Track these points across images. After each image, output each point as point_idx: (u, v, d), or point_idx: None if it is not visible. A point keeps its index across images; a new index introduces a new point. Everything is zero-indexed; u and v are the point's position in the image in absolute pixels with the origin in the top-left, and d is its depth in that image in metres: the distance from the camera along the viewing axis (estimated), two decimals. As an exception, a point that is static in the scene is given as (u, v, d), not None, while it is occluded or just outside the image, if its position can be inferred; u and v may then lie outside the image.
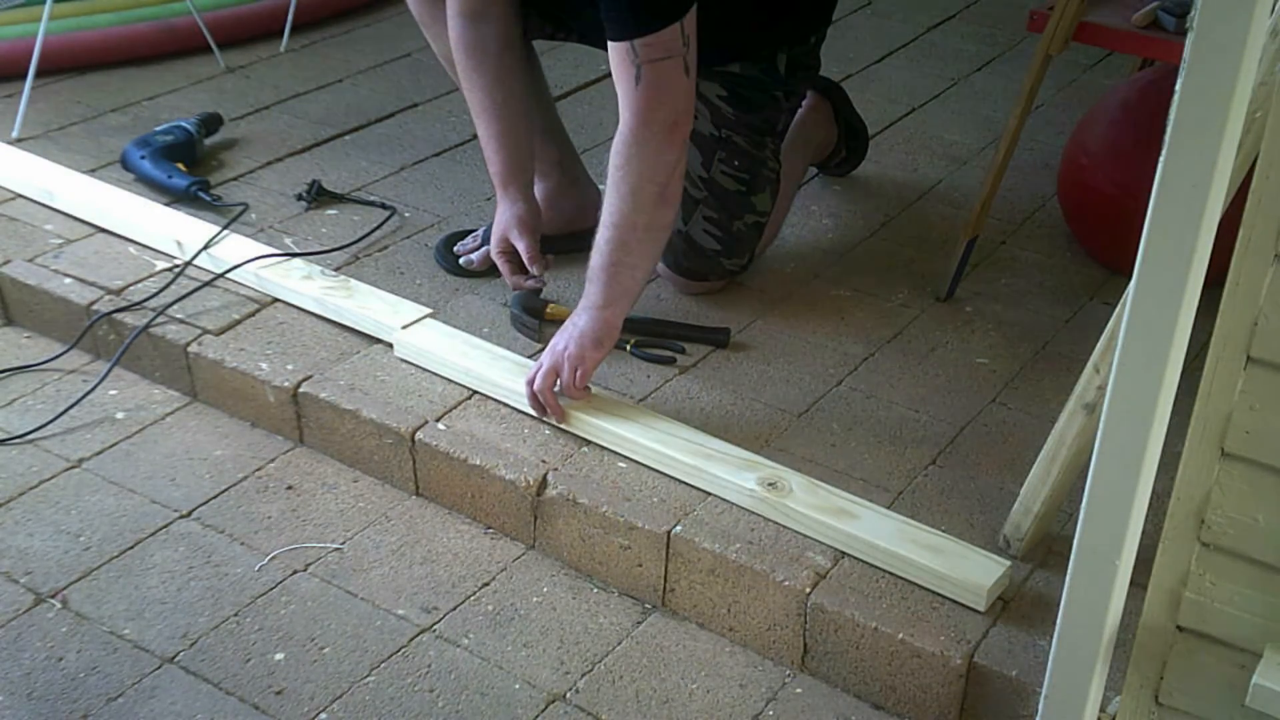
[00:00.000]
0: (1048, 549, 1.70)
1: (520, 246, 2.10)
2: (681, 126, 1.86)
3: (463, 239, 2.30)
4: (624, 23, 1.80)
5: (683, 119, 1.85)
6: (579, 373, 1.87)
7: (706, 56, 1.88)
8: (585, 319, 1.88)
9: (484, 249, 2.21)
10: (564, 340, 1.88)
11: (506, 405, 1.94)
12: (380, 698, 1.60)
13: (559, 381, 1.88)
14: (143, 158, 2.47)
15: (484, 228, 2.26)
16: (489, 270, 2.21)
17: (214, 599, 1.74)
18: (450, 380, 1.98)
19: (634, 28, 1.79)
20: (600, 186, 2.43)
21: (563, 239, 2.30)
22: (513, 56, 2.13)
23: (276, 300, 2.16)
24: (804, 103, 2.56)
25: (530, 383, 1.88)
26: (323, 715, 1.58)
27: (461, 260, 2.24)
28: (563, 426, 1.89)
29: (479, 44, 2.08)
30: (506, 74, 2.11)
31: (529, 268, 2.11)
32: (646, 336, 2.08)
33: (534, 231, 2.12)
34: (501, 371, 1.96)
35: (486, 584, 1.78)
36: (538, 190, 2.30)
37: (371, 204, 2.46)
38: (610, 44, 1.83)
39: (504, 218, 2.12)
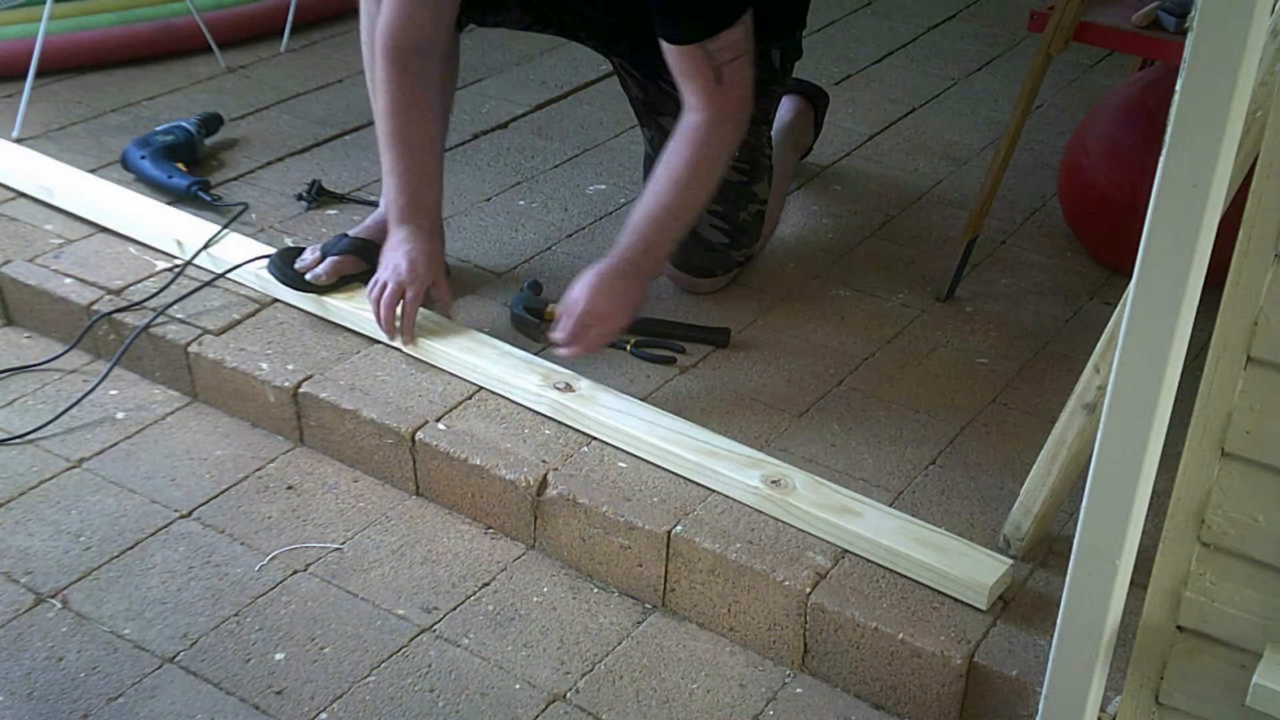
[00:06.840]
0: (1048, 549, 1.70)
1: (437, 291, 2.04)
2: (749, 113, 1.98)
3: (298, 255, 2.14)
4: (692, 27, 1.86)
5: (750, 106, 1.98)
6: (595, 335, 1.94)
7: None
8: (627, 281, 1.94)
9: (328, 261, 2.09)
10: (597, 300, 1.92)
11: (511, 402, 1.94)
12: (380, 698, 1.60)
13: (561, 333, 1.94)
14: (143, 157, 2.47)
15: (323, 243, 2.16)
16: (335, 284, 2.10)
17: (214, 599, 1.74)
18: (457, 376, 1.98)
19: (703, 31, 1.85)
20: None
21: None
22: (445, 93, 2.16)
23: (276, 300, 2.16)
24: (791, 107, 2.57)
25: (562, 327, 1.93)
26: (323, 715, 1.58)
27: (309, 276, 2.10)
28: (565, 422, 1.89)
29: (416, 82, 2.02)
30: (437, 108, 2.09)
31: (445, 311, 2.06)
32: (646, 336, 2.08)
33: (442, 268, 2.07)
34: (508, 368, 1.96)
35: (486, 584, 1.78)
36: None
37: (371, 204, 2.46)
38: (672, 47, 1.88)
39: (415, 254, 2.01)
